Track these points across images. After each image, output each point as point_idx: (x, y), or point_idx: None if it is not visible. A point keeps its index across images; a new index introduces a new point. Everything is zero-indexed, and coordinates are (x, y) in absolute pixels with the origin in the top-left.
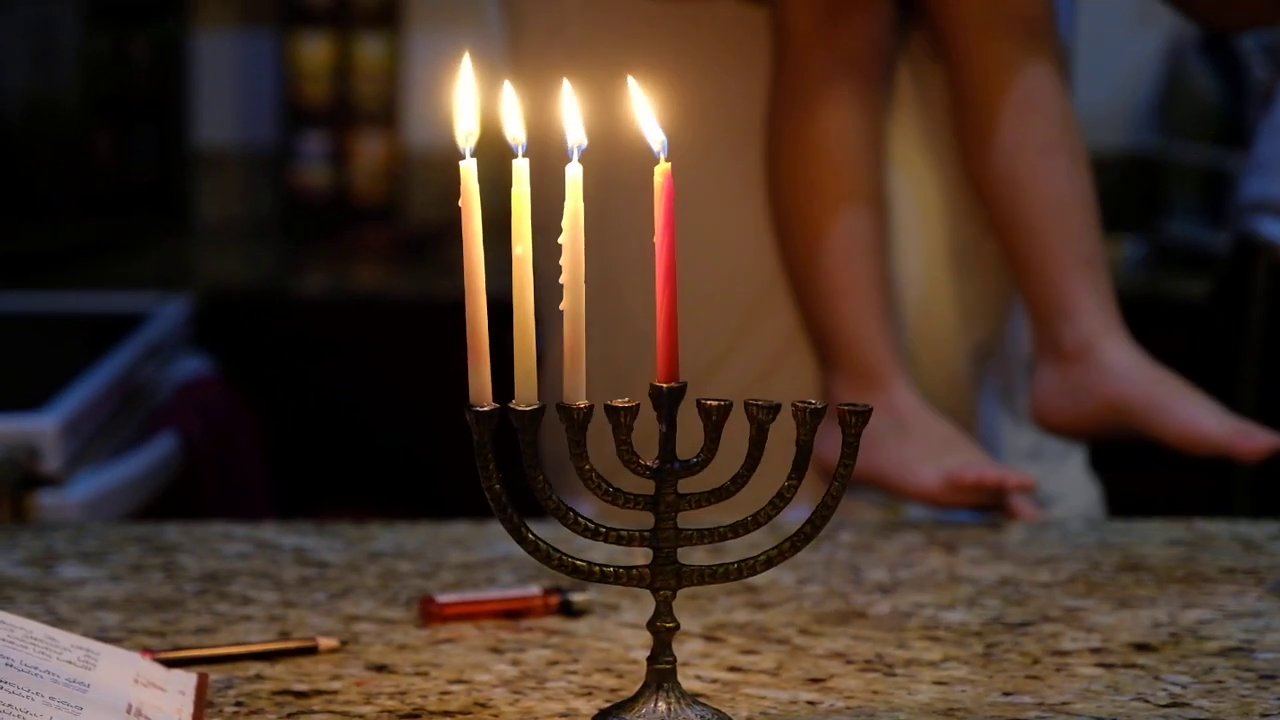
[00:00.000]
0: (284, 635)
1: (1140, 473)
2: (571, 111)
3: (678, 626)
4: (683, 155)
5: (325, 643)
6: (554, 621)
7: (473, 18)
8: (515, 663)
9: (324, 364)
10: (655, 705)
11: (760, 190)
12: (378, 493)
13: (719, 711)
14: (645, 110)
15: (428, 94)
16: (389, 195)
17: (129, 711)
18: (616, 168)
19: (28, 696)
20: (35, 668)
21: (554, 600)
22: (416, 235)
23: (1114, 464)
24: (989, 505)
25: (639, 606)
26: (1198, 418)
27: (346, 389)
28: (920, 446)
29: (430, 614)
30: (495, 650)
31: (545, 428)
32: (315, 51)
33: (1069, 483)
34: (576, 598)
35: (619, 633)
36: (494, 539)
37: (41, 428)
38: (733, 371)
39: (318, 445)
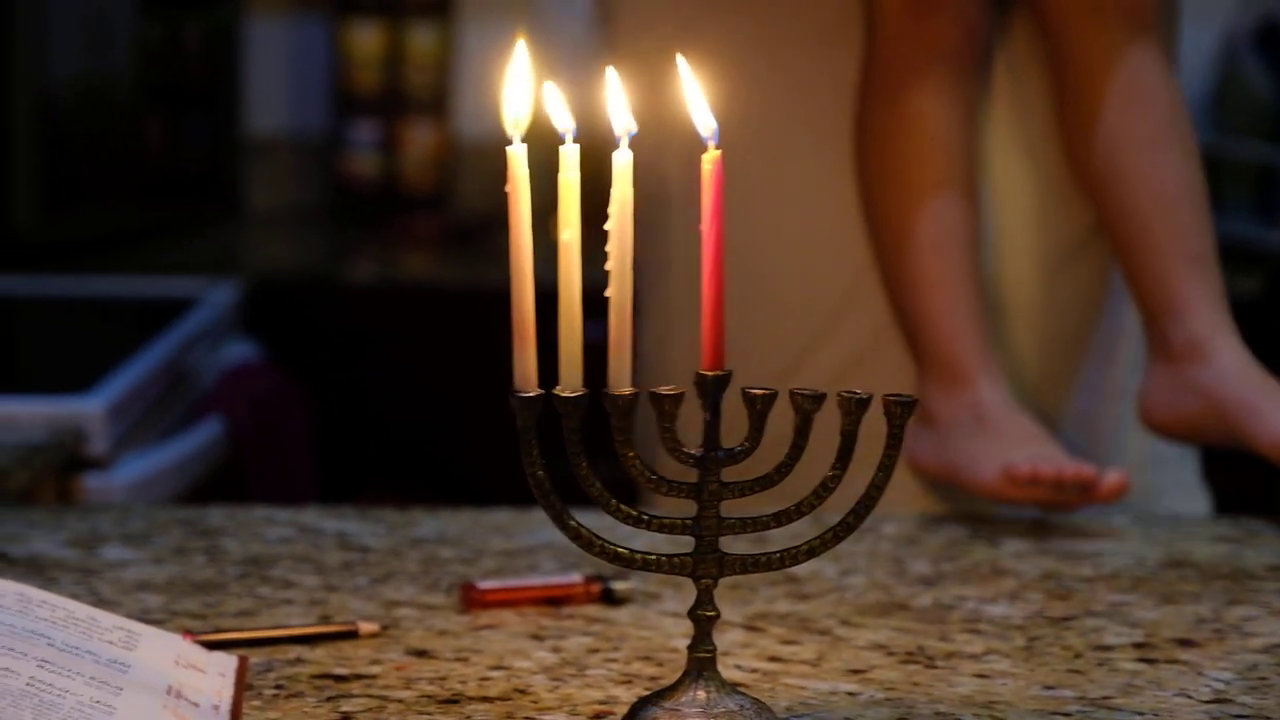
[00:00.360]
0: (324, 619)
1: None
2: (618, 99)
3: (719, 615)
4: (771, 146)
5: (366, 627)
6: (595, 609)
7: (524, 7)
8: (556, 650)
9: (372, 351)
10: (695, 693)
11: (847, 182)
12: (423, 480)
13: (758, 701)
14: (697, 96)
15: (479, 83)
16: (438, 184)
17: (169, 692)
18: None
19: (69, 676)
20: (77, 647)
21: (595, 588)
22: (465, 224)
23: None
24: (1056, 503)
25: (680, 596)
26: None
27: (394, 377)
28: (994, 442)
29: (471, 600)
30: (536, 637)
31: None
32: (367, 40)
33: (1180, 490)
34: (618, 586)
35: (660, 621)
36: (536, 526)
37: (88, 410)
38: (817, 368)
39: (364, 432)
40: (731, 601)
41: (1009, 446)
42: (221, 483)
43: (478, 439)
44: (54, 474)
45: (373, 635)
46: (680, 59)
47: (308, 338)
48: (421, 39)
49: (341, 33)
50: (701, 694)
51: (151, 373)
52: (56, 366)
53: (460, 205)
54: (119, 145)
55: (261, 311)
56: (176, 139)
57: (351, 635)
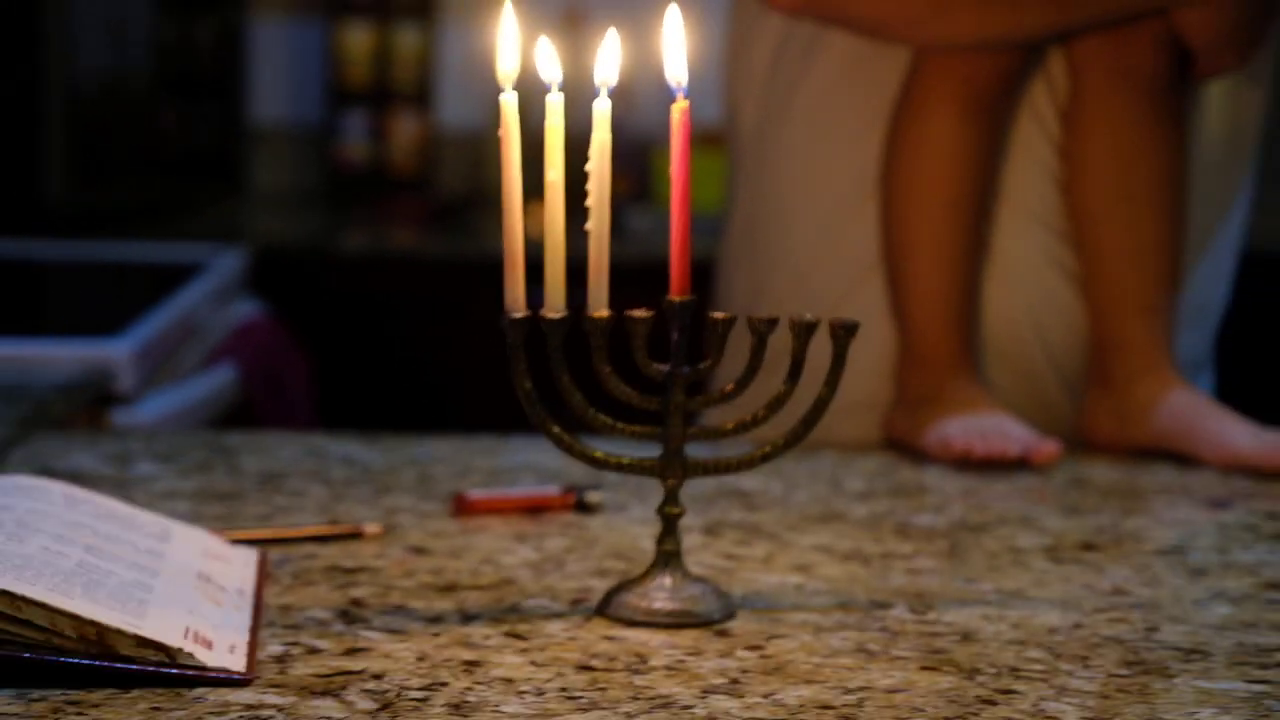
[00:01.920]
0: (333, 523)
1: None
2: (609, 56)
3: (683, 512)
4: (821, 135)
5: (370, 528)
6: (570, 517)
7: (499, 10)
8: (537, 549)
9: (363, 314)
10: (662, 580)
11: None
12: (411, 421)
13: (718, 587)
14: (676, 49)
15: (458, 78)
16: (422, 168)
17: (199, 577)
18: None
19: (112, 560)
20: (118, 537)
21: (570, 498)
22: (445, 203)
23: None
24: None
25: (645, 506)
26: (1231, 438)
27: (382, 333)
28: (946, 415)
29: (462, 507)
30: (519, 539)
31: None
32: (358, 39)
33: None
34: (591, 497)
35: (628, 527)
36: (516, 450)
37: (116, 352)
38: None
39: (358, 381)
40: (692, 511)
41: (959, 420)
42: (234, 421)
43: (457, 386)
44: (86, 407)
45: (376, 536)
46: (673, 11)
47: (307, 299)
48: (407, 39)
49: (335, 33)
50: (668, 580)
51: (170, 323)
52: (88, 315)
53: (441, 186)
54: (138, 130)
55: (265, 275)
56: (189, 125)
57: (357, 536)
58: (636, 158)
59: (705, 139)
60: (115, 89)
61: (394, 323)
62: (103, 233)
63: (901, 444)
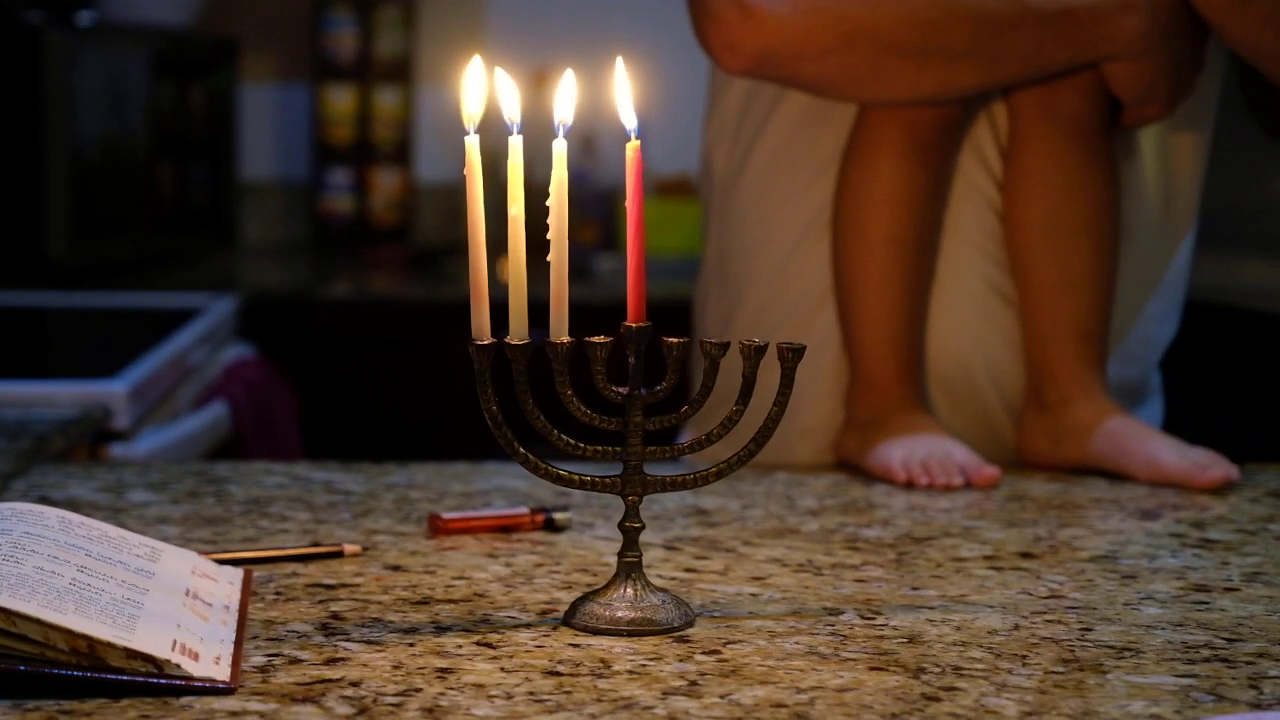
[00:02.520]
0: (315, 544)
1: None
2: (565, 98)
3: (643, 526)
4: (774, 182)
5: (350, 548)
6: (540, 535)
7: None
8: (508, 565)
9: (347, 354)
10: (624, 591)
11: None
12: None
13: (677, 597)
14: (625, 96)
15: (435, 136)
16: (402, 219)
17: (187, 594)
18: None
19: (103, 579)
20: (109, 558)
21: (540, 518)
22: (423, 251)
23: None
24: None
25: (610, 524)
26: (1158, 455)
27: (365, 373)
28: (890, 432)
29: (437, 528)
30: (491, 556)
31: None
32: (341, 101)
33: None
34: (558, 516)
35: (594, 544)
36: (489, 475)
37: (114, 391)
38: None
39: (342, 418)
40: (651, 528)
41: (903, 443)
42: (225, 454)
43: (435, 420)
44: (85, 443)
45: (355, 555)
46: (619, 62)
47: (295, 341)
48: (387, 100)
49: (320, 95)
50: (630, 591)
51: (165, 364)
52: (88, 357)
53: (419, 237)
54: (136, 187)
55: (255, 320)
56: (184, 183)
57: (337, 555)
58: (603, 207)
59: (676, 188)
60: (114, 151)
61: (376, 362)
62: (103, 284)
63: (850, 464)
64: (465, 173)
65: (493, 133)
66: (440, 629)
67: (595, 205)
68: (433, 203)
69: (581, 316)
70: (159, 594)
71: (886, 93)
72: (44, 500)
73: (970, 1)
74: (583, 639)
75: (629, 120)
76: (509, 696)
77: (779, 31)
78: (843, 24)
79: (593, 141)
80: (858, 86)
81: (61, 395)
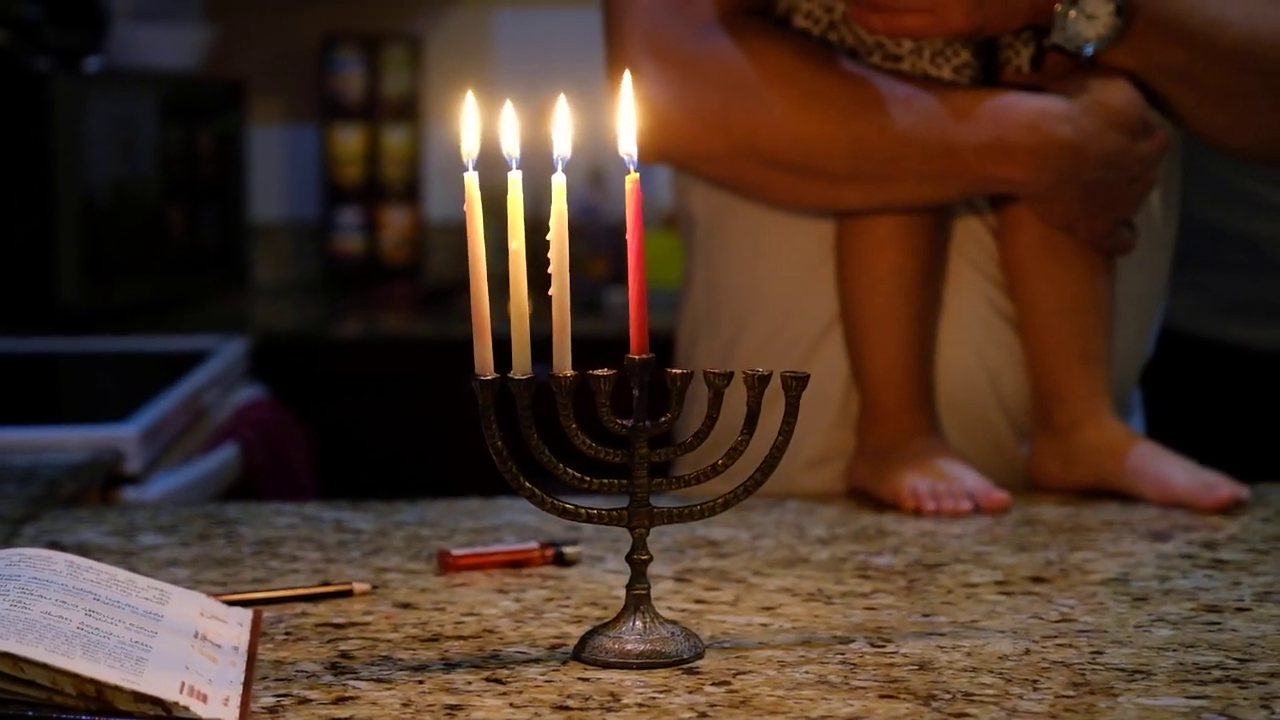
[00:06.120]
0: (325, 584)
1: None
2: (561, 128)
3: (651, 559)
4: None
5: (359, 587)
6: (550, 570)
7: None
8: (517, 600)
9: (358, 393)
10: (634, 623)
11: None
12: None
13: (687, 629)
14: (627, 128)
15: (443, 174)
16: (412, 258)
17: (196, 636)
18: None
19: (111, 623)
20: (118, 602)
21: (549, 552)
22: (434, 290)
23: None
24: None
25: (619, 558)
26: (1168, 476)
27: (376, 413)
28: (902, 461)
29: (447, 564)
30: (501, 591)
31: None
32: (350, 141)
33: None
34: (568, 550)
35: (604, 577)
36: (500, 510)
37: (126, 435)
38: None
39: (354, 457)
40: (661, 560)
41: (915, 471)
42: (237, 496)
43: (446, 459)
44: (97, 487)
45: (365, 593)
46: (623, 92)
47: (306, 382)
48: (395, 139)
49: (329, 135)
50: (639, 624)
51: (177, 407)
52: (100, 401)
53: (429, 274)
54: (147, 230)
55: (267, 362)
56: (194, 225)
57: (347, 594)
58: (613, 240)
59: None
60: (124, 194)
61: (388, 400)
62: (114, 328)
63: (862, 492)
64: (465, 209)
65: (499, 168)
66: (450, 666)
67: (605, 239)
68: (443, 240)
69: (592, 350)
70: (167, 636)
71: (779, 203)
72: (54, 545)
73: (854, 125)
74: (592, 673)
75: (629, 153)
76: None
77: (673, 135)
78: (729, 134)
79: (601, 175)
80: (753, 192)
81: (72, 440)
